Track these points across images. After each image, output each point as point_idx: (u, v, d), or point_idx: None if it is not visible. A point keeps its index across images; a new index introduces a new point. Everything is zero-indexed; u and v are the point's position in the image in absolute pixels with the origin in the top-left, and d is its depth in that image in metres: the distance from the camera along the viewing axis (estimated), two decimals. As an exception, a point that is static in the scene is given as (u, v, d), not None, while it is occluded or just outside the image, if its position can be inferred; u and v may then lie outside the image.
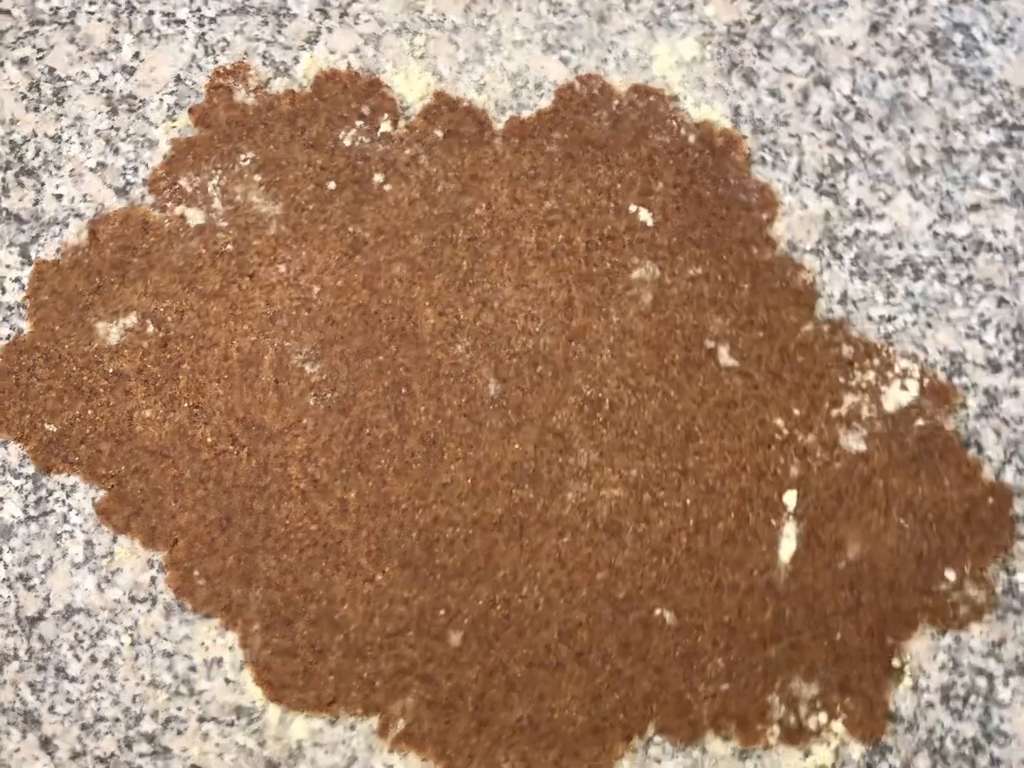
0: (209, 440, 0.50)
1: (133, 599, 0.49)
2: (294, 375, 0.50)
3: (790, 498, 0.49)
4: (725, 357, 0.50)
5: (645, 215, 0.51)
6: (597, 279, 0.51)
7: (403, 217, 0.51)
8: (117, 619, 0.49)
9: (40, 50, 0.53)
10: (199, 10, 0.54)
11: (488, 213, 0.51)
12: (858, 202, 0.52)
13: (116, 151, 0.53)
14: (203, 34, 0.53)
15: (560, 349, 0.50)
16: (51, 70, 0.53)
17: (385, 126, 0.52)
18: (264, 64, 0.53)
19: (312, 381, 0.50)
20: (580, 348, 0.50)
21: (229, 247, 0.51)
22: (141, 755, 0.48)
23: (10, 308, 0.51)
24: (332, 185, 0.52)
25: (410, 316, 0.51)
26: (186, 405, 0.50)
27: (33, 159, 0.52)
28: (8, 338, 0.51)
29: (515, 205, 0.51)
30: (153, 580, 0.49)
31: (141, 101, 0.53)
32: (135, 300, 0.51)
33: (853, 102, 0.53)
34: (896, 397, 0.50)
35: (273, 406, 0.50)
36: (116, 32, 0.53)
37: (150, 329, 0.51)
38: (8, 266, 0.52)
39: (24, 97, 0.53)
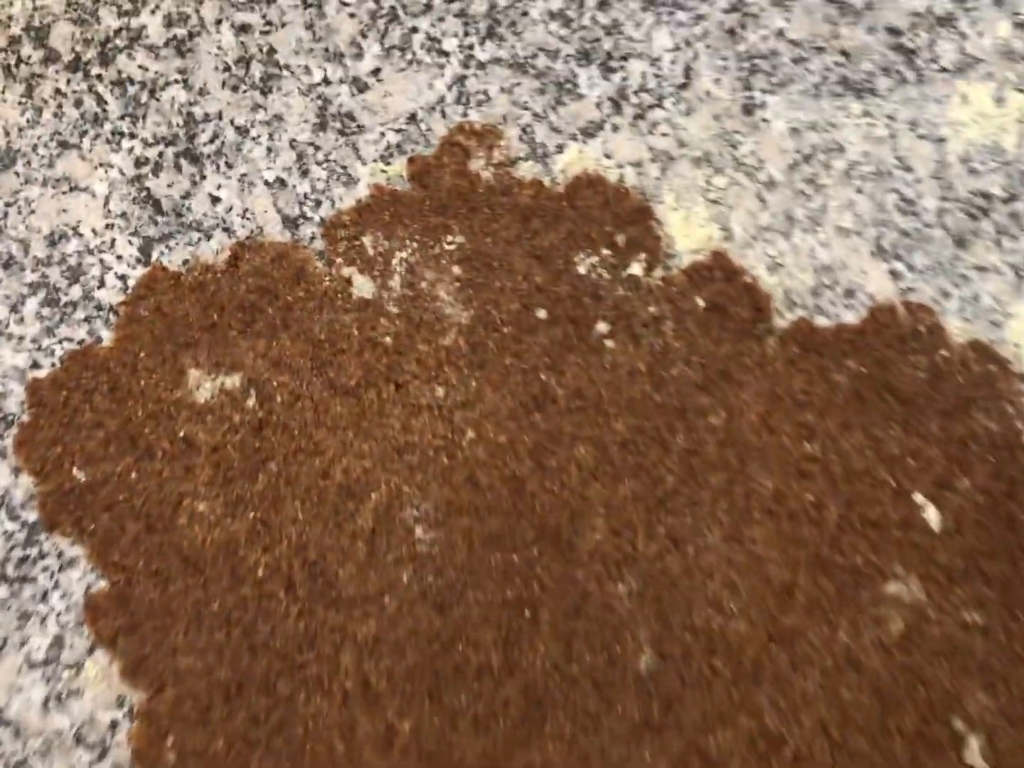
0: (260, 573, 0.37)
1: (79, 739, 0.36)
2: (398, 533, 0.37)
3: None
4: (975, 756, 0.35)
5: (932, 515, 0.37)
6: (838, 574, 0.36)
7: (614, 388, 0.38)
8: (47, 758, 0.36)
9: (269, 23, 0.43)
10: (471, 48, 0.42)
11: (725, 426, 0.37)
12: None
13: (305, 173, 0.41)
14: (464, 77, 0.42)
15: (754, 647, 0.35)
16: (271, 51, 0.42)
17: (635, 268, 0.39)
18: (521, 139, 0.41)
19: (417, 550, 0.37)
20: (781, 658, 0.35)
21: (387, 340, 0.39)
22: None
23: (99, 309, 0.40)
24: (542, 314, 0.39)
25: (574, 519, 0.37)
26: (252, 515, 0.37)
27: (206, 144, 0.41)
28: (80, 344, 0.39)
29: (764, 431, 0.37)
30: (114, 725, 0.36)
31: (359, 126, 0.41)
32: (248, 359, 0.39)
33: None
34: None
35: (357, 562, 0.37)
36: (364, 37, 0.42)
37: (251, 402, 0.38)
38: (119, 257, 0.40)
39: (227, 69, 0.42)
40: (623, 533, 0.37)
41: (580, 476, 0.38)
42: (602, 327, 0.39)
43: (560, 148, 0.41)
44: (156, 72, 0.42)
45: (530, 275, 0.39)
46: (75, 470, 0.38)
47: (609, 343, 0.39)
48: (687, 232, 0.40)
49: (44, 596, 0.37)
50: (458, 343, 0.39)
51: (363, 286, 0.40)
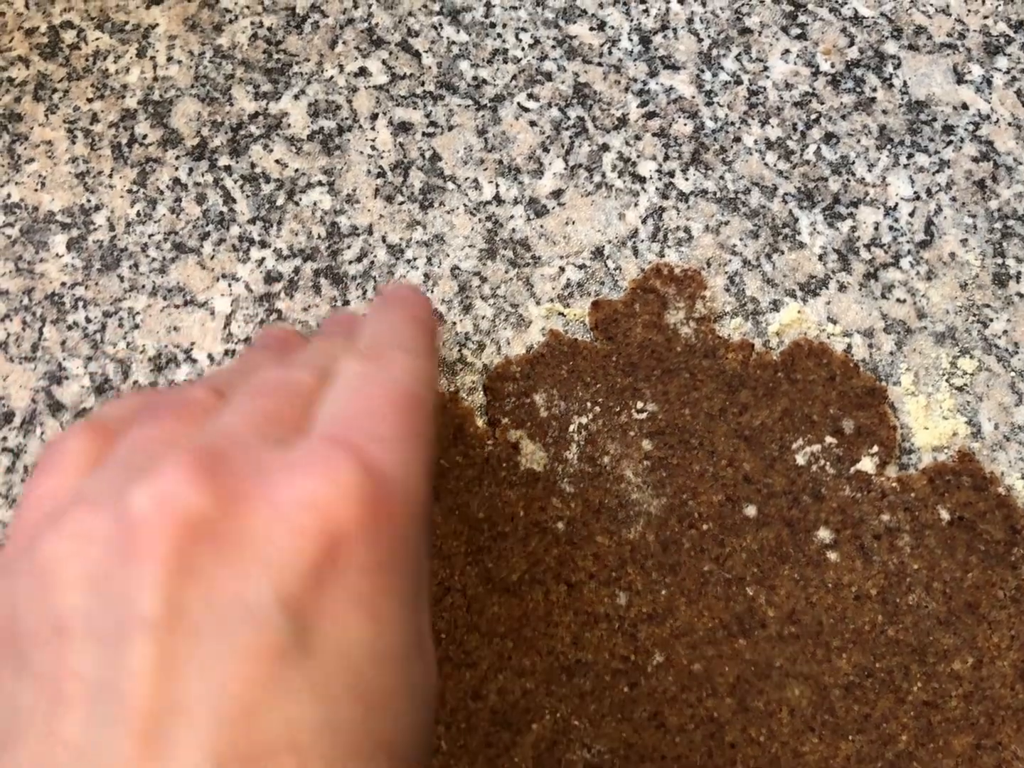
0: None
1: None
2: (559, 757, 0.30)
3: None
4: None
5: None
6: None
7: (838, 614, 0.31)
8: None
9: (434, 124, 0.36)
10: (671, 175, 0.35)
11: (972, 675, 0.30)
12: None
13: (467, 308, 0.34)
14: (662, 209, 0.35)
15: None
16: (434, 157, 0.35)
17: (866, 463, 0.32)
18: (728, 290, 0.34)
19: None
20: None
21: (559, 526, 0.32)
22: None
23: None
24: (751, 511, 0.32)
25: (786, 782, 0.29)
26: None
27: (351, 263, 0.35)
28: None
29: (1021, 686, 0.30)
30: None
31: (534, 258, 0.35)
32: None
33: None
34: None
35: None
36: (545, 151, 0.36)
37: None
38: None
39: (381, 175, 0.35)
40: (843, 807, 0.30)
41: (793, 725, 0.30)
42: (824, 534, 0.32)
43: (775, 305, 0.34)
44: (296, 170, 0.36)
45: (737, 460, 0.32)
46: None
47: (832, 556, 0.32)
48: (927, 424, 0.33)
49: None
50: (646, 538, 0.32)
51: (533, 455, 0.32)
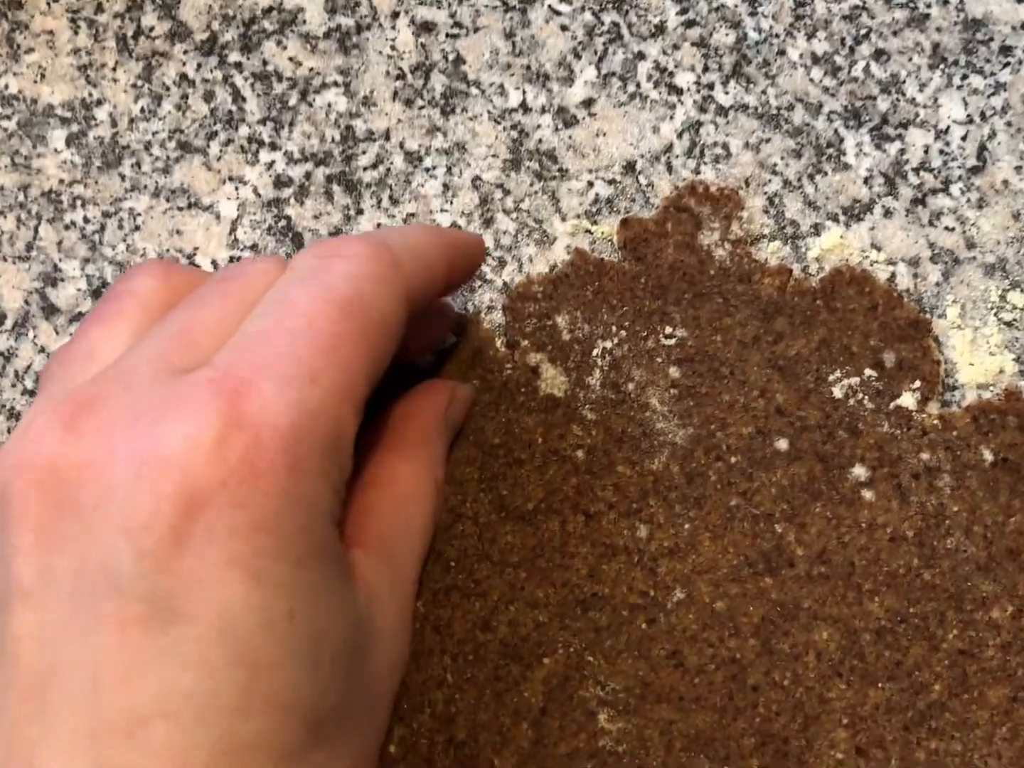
0: (392, 749, 0.28)
1: None
2: (575, 717, 0.29)
3: None
4: None
5: None
6: None
7: (871, 556, 0.29)
8: None
9: (458, 24, 0.34)
10: (710, 87, 0.33)
11: (1011, 624, 0.29)
12: None
13: (488, 221, 0.32)
14: (699, 123, 0.33)
15: None
16: (458, 60, 0.33)
17: (907, 398, 0.30)
18: (766, 211, 0.32)
19: (598, 744, 0.28)
20: None
21: (579, 454, 0.30)
22: None
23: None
24: (782, 444, 0.30)
25: (807, 726, 0.28)
26: (387, 670, 0.28)
27: (366, 169, 0.33)
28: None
29: (1063, 639, 0.28)
30: None
31: (561, 170, 0.33)
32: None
33: None
34: None
35: (518, 749, 0.28)
36: (577, 57, 0.33)
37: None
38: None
39: (401, 77, 0.33)
40: (871, 753, 0.28)
41: (820, 670, 0.29)
42: (859, 472, 0.30)
43: (816, 229, 0.32)
44: (311, 69, 0.33)
45: (769, 391, 0.30)
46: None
47: (867, 494, 0.30)
48: (973, 359, 0.31)
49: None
50: (670, 469, 0.30)
51: (553, 380, 0.31)
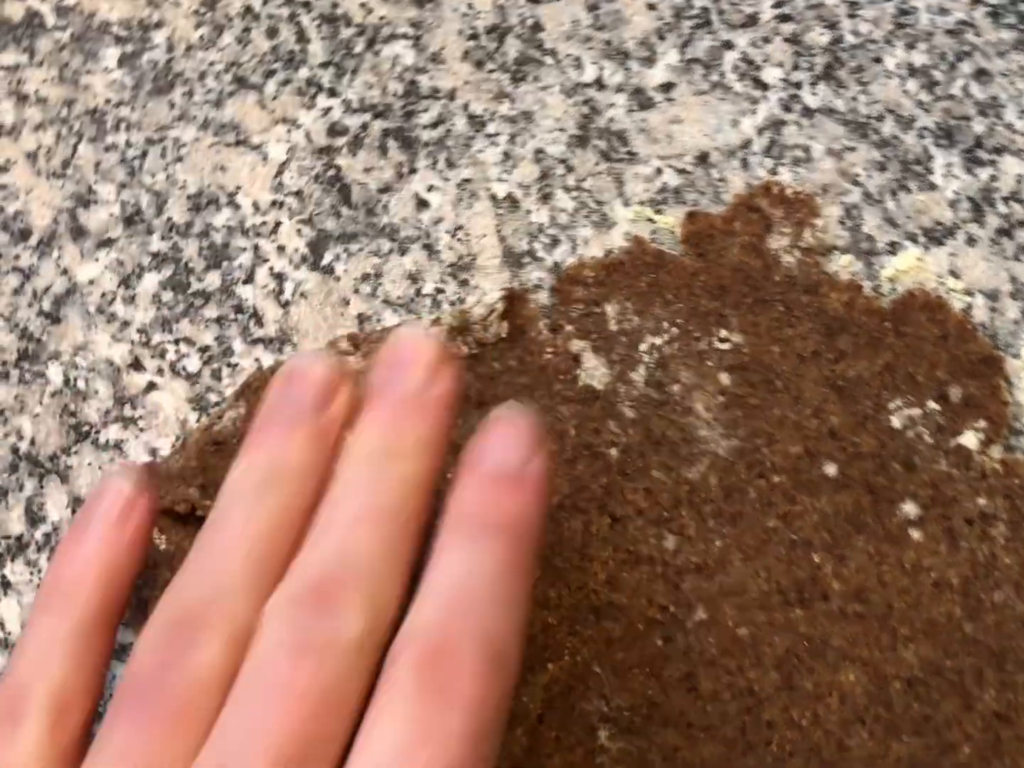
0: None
1: None
2: (573, 731, 0.27)
3: None
4: None
5: None
6: None
7: (912, 600, 0.27)
8: None
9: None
10: (798, 86, 0.31)
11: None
12: None
13: (546, 197, 0.31)
14: (782, 122, 0.31)
15: None
16: (536, 27, 0.32)
17: (969, 438, 0.28)
18: (842, 223, 0.30)
19: (595, 762, 0.26)
20: None
21: (613, 452, 0.28)
22: None
23: (239, 311, 0.29)
24: (831, 469, 0.28)
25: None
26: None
27: (425, 128, 0.31)
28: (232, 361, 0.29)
29: (1110, 716, 0.26)
30: None
31: (630, 153, 0.31)
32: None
33: None
34: None
35: (510, 755, 0.26)
36: (661, 38, 0.32)
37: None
38: (281, 249, 0.30)
39: (474, 37, 0.32)
40: (893, 816, 0.26)
41: (842, 714, 0.27)
42: (910, 509, 0.28)
43: (893, 248, 0.30)
44: (382, 17, 0.32)
45: (824, 411, 0.28)
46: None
47: (915, 534, 0.28)
48: (1045, 405, 0.29)
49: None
50: (708, 481, 0.28)
51: (594, 371, 0.29)
